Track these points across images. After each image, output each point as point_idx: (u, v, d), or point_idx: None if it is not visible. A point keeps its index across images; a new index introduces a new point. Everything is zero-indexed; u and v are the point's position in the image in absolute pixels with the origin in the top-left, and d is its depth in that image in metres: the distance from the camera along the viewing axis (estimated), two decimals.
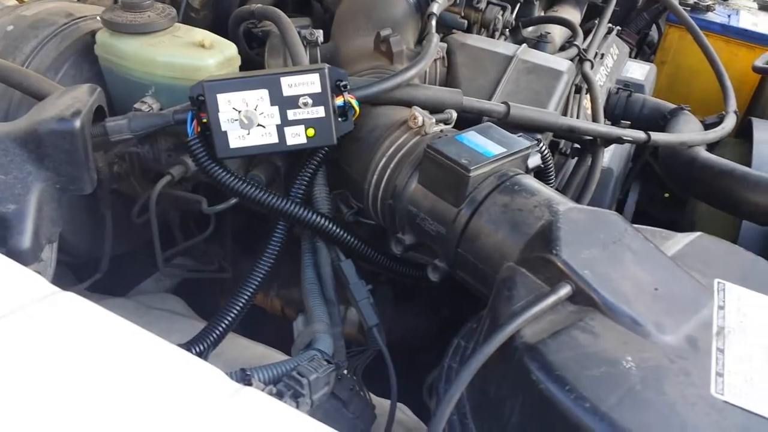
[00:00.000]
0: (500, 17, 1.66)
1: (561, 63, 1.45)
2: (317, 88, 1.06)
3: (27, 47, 1.27)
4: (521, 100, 1.32)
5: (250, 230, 1.73)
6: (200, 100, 1.07)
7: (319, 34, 1.46)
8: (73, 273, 1.47)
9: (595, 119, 1.45)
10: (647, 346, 0.83)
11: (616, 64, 1.98)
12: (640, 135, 1.36)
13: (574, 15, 2.14)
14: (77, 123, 1.02)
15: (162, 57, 1.21)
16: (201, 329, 1.13)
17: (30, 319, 0.69)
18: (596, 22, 2.00)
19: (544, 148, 1.16)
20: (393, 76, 1.18)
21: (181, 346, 1.05)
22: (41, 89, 1.13)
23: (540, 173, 1.16)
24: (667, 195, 2.37)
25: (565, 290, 0.88)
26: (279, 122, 1.07)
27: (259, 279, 1.15)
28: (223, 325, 1.10)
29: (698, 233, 1.07)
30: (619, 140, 1.35)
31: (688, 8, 2.39)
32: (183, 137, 1.27)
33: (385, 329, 1.17)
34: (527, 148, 1.08)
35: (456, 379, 0.81)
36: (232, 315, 1.11)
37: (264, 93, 1.05)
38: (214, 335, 1.09)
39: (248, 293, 1.14)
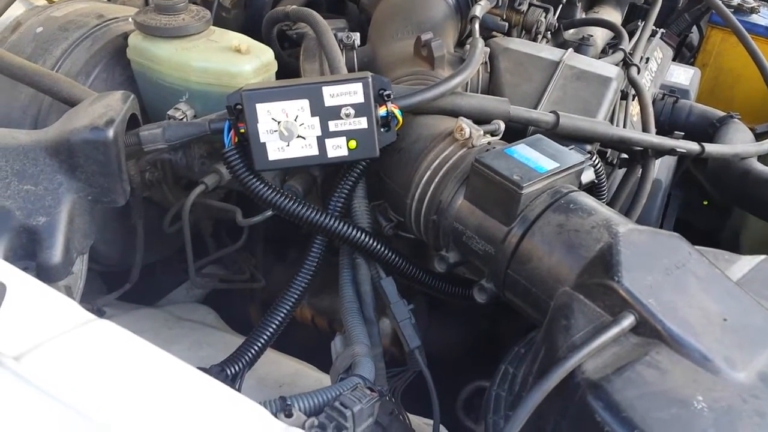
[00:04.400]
0: (543, 20, 1.60)
1: (609, 69, 1.38)
2: (360, 98, 1.01)
3: (57, 50, 1.23)
4: (569, 109, 1.26)
5: (283, 237, 1.68)
6: (238, 109, 1.02)
7: (356, 37, 1.41)
8: (102, 280, 1.44)
9: (645, 129, 1.38)
10: (718, 383, 0.78)
11: (660, 68, 1.90)
12: (693, 146, 1.30)
13: (615, 16, 2.07)
14: (110, 132, 0.98)
15: (197, 62, 1.17)
16: (236, 347, 1.09)
17: (64, 350, 0.65)
18: (638, 23, 1.93)
19: (597, 162, 1.10)
20: (437, 84, 1.12)
21: (216, 366, 1.00)
22: (73, 95, 1.09)
23: (592, 189, 1.10)
24: (706, 203, 2.29)
25: (628, 321, 0.82)
26: (320, 133, 1.02)
27: (296, 295, 1.10)
28: (260, 344, 1.05)
29: (763, 257, 1.01)
30: (672, 152, 1.28)
31: (732, 9, 2.29)
32: (217, 145, 1.22)
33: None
34: (581, 163, 1.02)
35: (512, 418, 0.75)
36: (269, 333, 1.06)
37: (305, 103, 1.00)
38: (250, 354, 1.04)
39: (285, 310, 1.09)
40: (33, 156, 1.00)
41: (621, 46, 1.63)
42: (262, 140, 1.00)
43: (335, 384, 0.91)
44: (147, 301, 1.50)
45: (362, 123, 1.01)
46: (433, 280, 1.15)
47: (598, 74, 1.35)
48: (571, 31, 1.84)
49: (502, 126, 1.10)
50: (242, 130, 1.03)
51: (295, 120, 1.00)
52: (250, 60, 1.18)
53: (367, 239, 1.07)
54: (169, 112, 1.17)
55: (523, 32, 1.64)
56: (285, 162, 1.02)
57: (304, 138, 1.01)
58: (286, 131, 0.97)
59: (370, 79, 1.00)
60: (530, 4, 1.62)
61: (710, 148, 1.32)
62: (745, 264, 0.99)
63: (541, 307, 0.95)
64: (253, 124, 1.00)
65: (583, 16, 1.94)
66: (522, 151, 1.02)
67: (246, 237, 1.38)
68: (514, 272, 0.97)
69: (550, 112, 1.20)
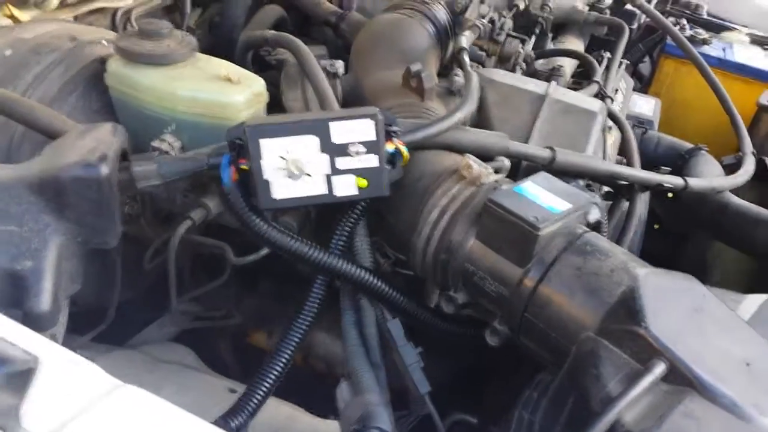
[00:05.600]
0: (521, 50, 1.60)
1: (593, 103, 1.39)
2: (371, 136, 0.97)
3: (29, 75, 1.14)
4: (558, 143, 1.25)
5: (252, 268, 1.62)
6: (238, 144, 0.96)
7: (340, 65, 1.38)
8: (70, 319, 1.34)
9: (630, 163, 1.39)
10: (752, 431, 0.77)
11: (625, 99, 1.94)
12: (678, 181, 1.32)
13: (578, 46, 2.10)
14: (104, 169, 0.90)
15: (185, 91, 1.10)
16: (220, 390, 1.02)
17: (102, 419, 0.59)
18: (602, 53, 1.97)
19: (600, 200, 1.09)
20: (442, 119, 1.09)
21: (220, 419, 0.94)
22: (53, 126, 1.01)
23: (597, 227, 1.10)
24: (656, 227, 2.35)
25: (660, 369, 0.81)
26: (328, 171, 0.97)
27: (297, 339, 1.05)
28: (261, 393, 0.99)
29: (766, 296, 1.03)
30: (658, 186, 1.30)
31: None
32: (204, 179, 1.16)
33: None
34: (590, 203, 1.02)
35: None
36: (270, 381, 1.00)
37: (312, 139, 0.95)
38: (252, 405, 0.98)
39: (286, 356, 1.03)
40: (16, 194, 0.91)
41: (595, 79, 1.65)
42: (265, 178, 0.95)
43: None
44: (117, 340, 1.41)
45: (372, 161, 0.97)
46: (442, 321, 1.12)
47: (584, 108, 1.36)
48: (541, 61, 1.86)
49: (507, 163, 1.09)
50: (243, 167, 0.97)
51: (302, 157, 0.95)
52: (241, 90, 1.12)
53: (375, 280, 1.03)
54: (154, 144, 1.10)
55: (499, 63, 1.64)
56: (291, 201, 0.97)
57: (310, 176, 0.96)
58: (296, 169, 0.92)
59: (379, 116, 0.96)
60: (507, 35, 1.63)
61: (692, 182, 1.34)
62: (750, 304, 1.00)
63: (560, 352, 0.93)
64: (257, 161, 0.94)
65: (551, 46, 1.97)
66: (531, 189, 1.01)
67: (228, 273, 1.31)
68: (532, 316, 0.95)
69: (546, 147, 1.20)
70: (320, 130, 0.95)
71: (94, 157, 0.90)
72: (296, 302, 1.68)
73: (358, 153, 0.96)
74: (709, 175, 1.59)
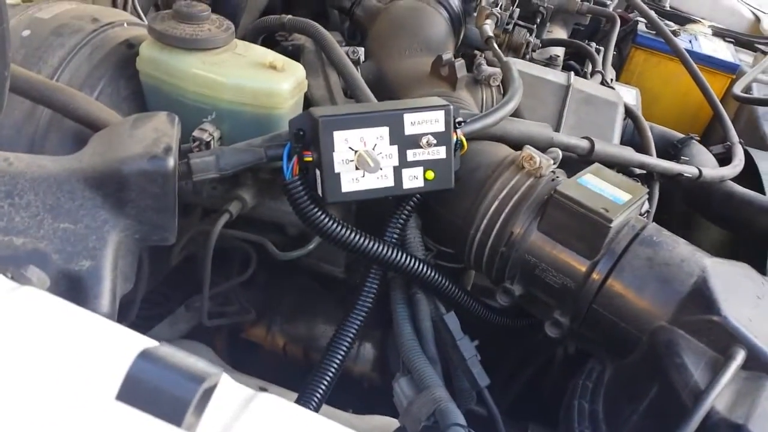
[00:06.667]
0: (531, 39, 1.61)
1: (613, 93, 1.42)
2: (441, 127, 0.95)
3: (53, 58, 1.05)
4: (586, 133, 1.27)
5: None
6: (301, 135, 0.92)
7: (361, 52, 1.35)
8: None
9: (647, 152, 1.42)
10: None
11: None
12: (694, 170, 1.36)
13: (563, 36, 2.13)
14: (171, 162, 0.85)
15: (230, 79, 1.05)
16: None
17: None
18: (590, 44, 2.00)
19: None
20: (496, 109, 1.08)
21: None
22: (99, 118, 0.94)
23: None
24: None
25: (741, 356, 0.84)
26: (397, 163, 0.94)
27: (352, 336, 1.02)
28: (318, 397, 0.96)
29: None
30: (678, 175, 1.33)
31: (653, 33, 2.45)
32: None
33: None
34: (645, 193, 1.03)
35: None
36: (323, 388, 0.97)
37: (384, 131, 0.92)
38: (312, 406, 0.95)
39: (340, 355, 1.01)
40: (69, 189, 0.84)
41: (597, 69, 1.68)
42: (336, 170, 0.92)
43: None
44: None
45: (441, 153, 0.96)
46: (495, 314, 1.11)
47: (605, 99, 1.38)
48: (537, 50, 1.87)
49: (560, 154, 1.09)
50: (307, 158, 0.93)
51: (374, 149, 0.92)
52: (287, 78, 1.07)
53: (438, 275, 1.02)
54: (195, 134, 1.04)
55: (509, 51, 1.64)
56: (358, 194, 0.94)
57: (381, 168, 0.93)
58: (371, 161, 0.89)
59: (452, 108, 0.95)
60: (515, 24, 1.63)
61: (706, 172, 1.38)
62: None
63: (629, 342, 0.94)
64: (329, 153, 0.91)
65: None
66: (592, 181, 1.01)
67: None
68: (600, 307, 0.95)
69: (583, 138, 1.21)
70: (394, 121, 0.92)
71: (160, 149, 0.85)
72: (293, 292, 1.66)
73: (429, 144, 0.94)
74: (705, 164, 1.65)
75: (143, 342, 0.47)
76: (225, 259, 1.41)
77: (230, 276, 1.38)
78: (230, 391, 0.60)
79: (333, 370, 1.00)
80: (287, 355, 1.63)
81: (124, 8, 1.42)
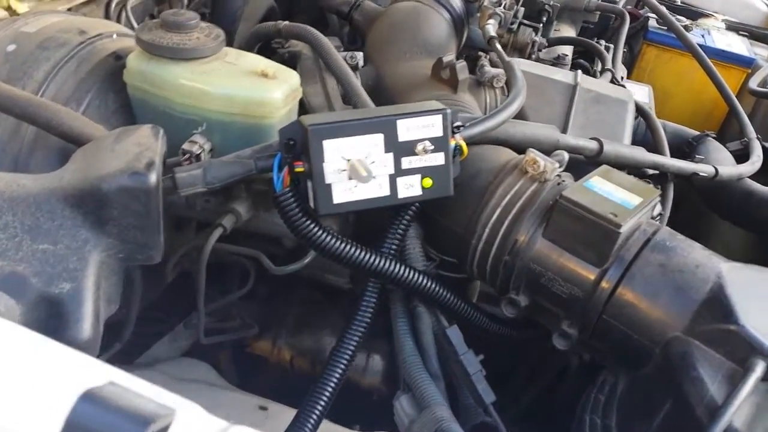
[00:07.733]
0: (537, 39, 1.56)
1: (622, 92, 1.36)
2: (438, 132, 0.90)
3: (38, 72, 1.03)
4: (596, 134, 1.22)
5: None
6: (291, 145, 0.88)
7: (360, 57, 1.31)
8: None
9: (661, 152, 1.37)
10: None
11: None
12: (710, 169, 1.30)
13: (571, 34, 2.08)
14: (153, 178, 0.81)
15: (219, 89, 1.01)
16: (247, 407, 0.95)
17: None
18: (599, 42, 1.95)
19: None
20: (496, 112, 1.04)
21: None
22: (84, 133, 0.90)
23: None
24: None
25: (761, 368, 0.78)
26: (392, 172, 0.90)
27: (351, 351, 0.98)
28: (316, 415, 0.92)
29: None
30: (694, 175, 1.28)
31: (665, 28, 2.39)
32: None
33: None
34: (657, 195, 0.98)
35: None
36: (323, 402, 0.93)
37: (378, 138, 0.88)
38: (308, 428, 0.91)
39: (339, 371, 0.96)
40: (48, 208, 0.81)
41: (607, 67, 1.63)
42: (327, 181, 0.87)
43: None
44: (122, 358, 1.30)
45: (438, 159, 0.91)
46: (500, 326, 1.06)
47: (616, 98, 1.33)
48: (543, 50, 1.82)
49: (566, 157, 1.04)
50: (298, 169, 0.89)
51: (366, 157, 0.88)
52: (279, 86, 1.04)
53: (440, 288, 0.97)
54: (184, 147, 1.00)
55: (513, 51, 1.59)
56: (350, 205, 0.90)
57: (374, 177, 0.89)
58: (363, 171, 0.85)
59: (449, 112, 0.90)
60: (520, 23, 1.58)
61: (723, 170, 1.33)
62: None
63: (641, 354, 0.89)
64: (319, 164, 0.86)
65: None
66: (599, 184, 0.96)
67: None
68: (610, 317, 0.90)
69: (592, 138, 1.16)
70: (387, 127, 0.88)
71: (142, 164, 0.81)
72: (298, 304, 1.62)
73: (425, 151, 0.89)
74: (722, 162, 1.59)
75: (94, 378, 0.43)
76: (224, 273, 1.38)
77: (231, 291, 1.34)
78: (201, 427, 0.56)
79: (330, 388, 0.95)
80: (294, 368, 1.60)
81: (118, 20, 1.40)
